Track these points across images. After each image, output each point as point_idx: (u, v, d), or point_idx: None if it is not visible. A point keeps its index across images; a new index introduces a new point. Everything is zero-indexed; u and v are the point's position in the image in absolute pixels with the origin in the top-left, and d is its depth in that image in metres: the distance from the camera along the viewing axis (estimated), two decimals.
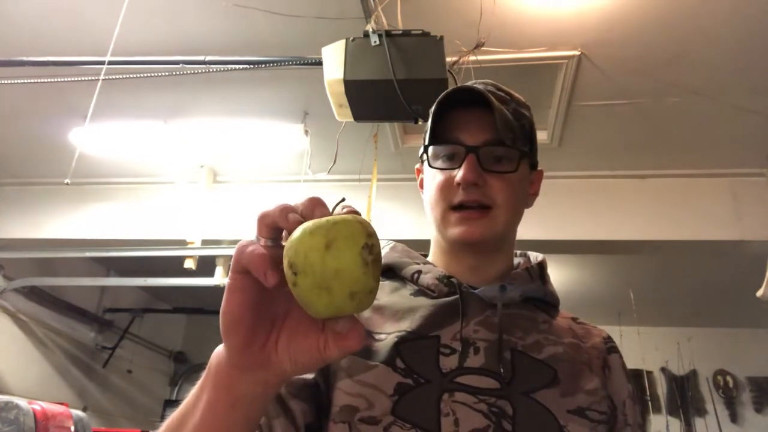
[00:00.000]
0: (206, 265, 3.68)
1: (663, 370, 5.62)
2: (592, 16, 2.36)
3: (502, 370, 0.71)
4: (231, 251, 3.84)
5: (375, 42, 1.93)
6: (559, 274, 4.79)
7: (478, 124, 0.77)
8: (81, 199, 3.83)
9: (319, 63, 2.04)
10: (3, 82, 2.64)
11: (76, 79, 2.59)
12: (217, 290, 3.73)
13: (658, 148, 3.19)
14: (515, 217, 0.82)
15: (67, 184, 2.22)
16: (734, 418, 5.39)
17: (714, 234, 3.25)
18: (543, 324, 0.79)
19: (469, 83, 0.83)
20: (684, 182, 3.36)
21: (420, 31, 1.97)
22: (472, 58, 2.26)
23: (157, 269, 4.04)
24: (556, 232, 3.35)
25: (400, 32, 1.98)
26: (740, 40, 2.42)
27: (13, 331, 4.34)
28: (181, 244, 3.61)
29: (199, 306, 5.93)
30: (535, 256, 0.90)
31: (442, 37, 1.95)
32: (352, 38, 1.97)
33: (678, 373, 5.52)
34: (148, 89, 2.90)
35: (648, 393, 5.38)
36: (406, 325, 0.76)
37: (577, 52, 2.54)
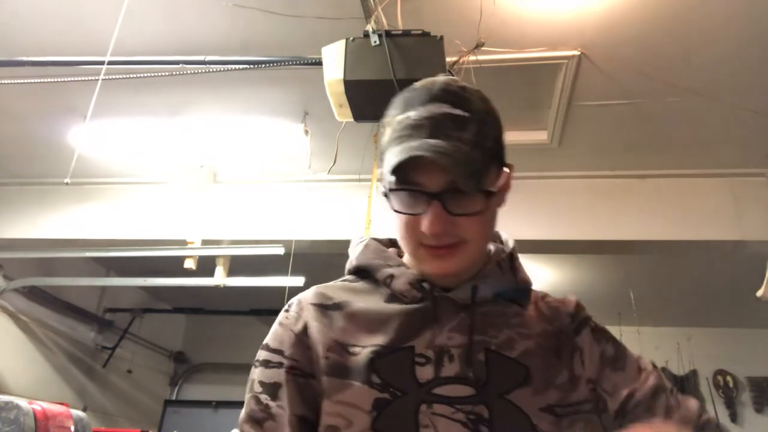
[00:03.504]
0: (206, 265, 3.68)
1: (663, 370, 5.60)
2: (592, 16, 2.36)
3: (471, 375, 0.72)
4: (231, 251, 3.86)
5: (375, 42, 1.93)
6: (559, 274, 4.79)
7: (440, 165, 0.71)
8: (81, 199, 3.83)
9: (319, 63, 2.04)
10: (3, 82, 2.64)
11: (75, 79, 2.59)
12: (217, 290, 3.74)
13: (658, 148, 3.18)
14: (489, 235, 0.80)
15: (67, 183, 2.22)
16: (734, 418, 5.39)
17: (714, 234, 3.24)
18: (515, 317, 0.79)
19: (432, 82, 0.78)
20: (684, 182, 3.36)
21: (420, 31, 1.97)
22: (472, 58, 2.26)
23: (157, 269, 4.03)
24: (556, 232, 3.35)
25: (400, 32, 1.98)
26: (740, 40, 2.42)
27: (13, 331, 4.34)
28: (181, 244, 3.61)
29: (199, 306, 5.93)
30: (505, 240, 0.89)
31: (442, 37, 1.95)
32: (352, 38, 1.97)
33: (678, 373, 5.51)
34: (148, 89, 2.89)
35: None
36: (380, 338, 0.75)
37: (577, 52, 2.54)
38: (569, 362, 0.77)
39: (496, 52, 2.43)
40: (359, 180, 3.34)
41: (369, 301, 0.80)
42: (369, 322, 0.77)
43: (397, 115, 0.76)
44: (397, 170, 0.72)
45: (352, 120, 2.11)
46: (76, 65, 2.58)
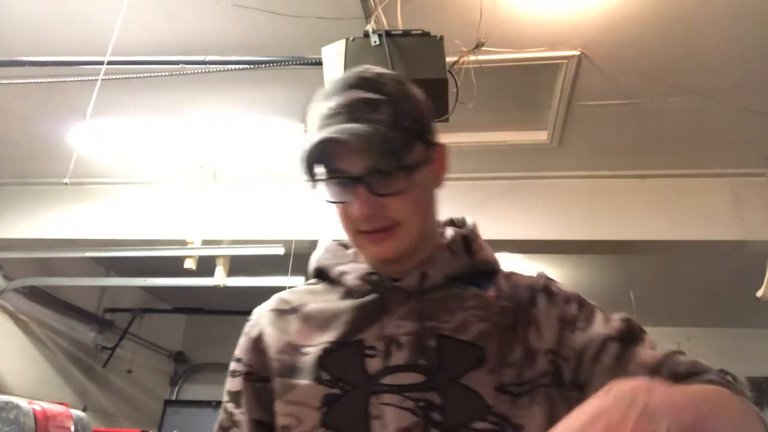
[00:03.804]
0: (206, 265, 3.68)
1: None
2: (592, 16, 2.36)
3: (422, 362, 0.71)
4: (231, 251, 3.86)
5: (375, 42, 1.93)
6: (559, 274, 4.79)
7: (354, 146, 0.71)
8: (81, 199, 3.83)
9: (319, 63, 2.04)
10: (3, 82, 2.64)
11: (75, 79, 2.59)
12: (217, 290, 3.74)
13: (658, 148, 3.18)
14: (426, 215, 0.79)
15: (66, 184, 2.22)
16: None
17: (714, 234, 3.24)
18: (472, 299, 0.77)
19: (350, 71, 0.78)
20: (684, 182, 3.36)
21: (420, 31, 1.97)
22: (472, 58, 2.26)
23: (157, 269, 4.04)
24: (556, 232, 3.35)
25: (400, 32, 1.98)
26: (740, 40, 2.42)
27: (13, 331, 4.34)
28: (181, 244, 3.61)
29: (199, 306, 5.93)
30: (461, 223, 0.88)
31: (442, 37, 1.94)
32: (352, 38, 1.97)
33: None
34: (148, 89, 2.89)
35: None
36: (330, 334, 0.76)
37: (577, 52, 2.54)
38: (524, 336, 0.74)
39: (496, 52, 2.43)
40: None
41: (324, 301, 0.81)
42: (322, 321, 0.78)
43: (317, 108, 0.77)
44: (312, 158, 0.72)
45: None
46: (76, 65, 2.58)
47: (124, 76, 2.58)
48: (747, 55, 2.50)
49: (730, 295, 4.72)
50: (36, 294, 4.52)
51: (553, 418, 0.67)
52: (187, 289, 4.49)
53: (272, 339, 0.80)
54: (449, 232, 0.85)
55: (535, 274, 0.83)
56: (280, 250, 3.35)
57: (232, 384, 0.81)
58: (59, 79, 2.62)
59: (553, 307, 0.77)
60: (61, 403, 3.48)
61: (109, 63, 2.29)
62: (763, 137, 3.02)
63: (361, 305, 0.77)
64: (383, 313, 0.76)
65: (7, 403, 2.92)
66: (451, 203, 3.44)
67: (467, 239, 0.83)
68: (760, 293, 3.13)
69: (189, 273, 3.65)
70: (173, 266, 3.66)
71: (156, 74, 2.56)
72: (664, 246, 3.35)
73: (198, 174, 3.71)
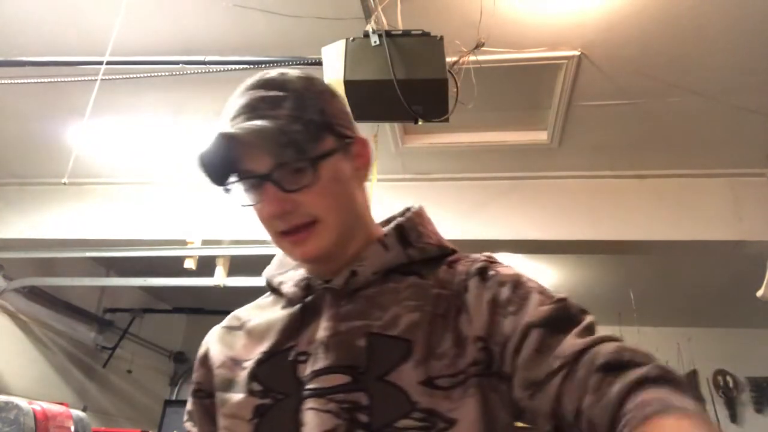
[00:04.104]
0: (206, 265, 3.68)
1: None
2: (592, 16, 2.36)
3: (349, 363, 0.69)
4: (231, 251, 3.84)
5: (375, 42, 1.93)
6: (559, 274, 4.79)
7: (255, 142, 0.70)
8: (81, 199, 3.83)
9: (319, 63, 2.04)
10: (2, 82, 2.64)
11: (75, 79, 2.59)
12: (217, 290, 3.74)
13: (658, 148, 3.18)
14: (348, 209, 0.75)
15: (65, 183, 2.22)
16: (734, 418, 5.39)
17: (714, 234, 3.24)
18: (406, 291, 0.74)
19: (255, 75, 0.76)
20: (684, 182, 3.36)
21: (420, 31, 1.97)
22: (472, 58, 2.26)
23: (157, 269, 4.03)
24: (556, 232, 3.35)
25: (400, 32, 1.98)
26: (740, 39, 2.42)
27: (13, 331, 4.34)
28: (181, 244, 3.61)
29: (199, 306, 5.92)
30: (398, 215, 0.83)
31: (442, 37, 1.94)
32: (352, 38, 1.97)
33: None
34: (148, 89, 2.89)
35: None
36: (265, 345, 0.75)
37: (577, 52, 2.54)
38: (456, 324, 0.70)
39: (496, 52, 2.43)
40: None
41: (268, 314, 0.81)
42: (260, 333, 0.78)
43: (223, 114, 0.76)
44: (207, 161, 0.71)
45: None
46: (76, 65, 2.58)
47: (124, 76, 2.58)
48: (747, 55, 2.50)
49: (730, 295, 4.72)
50: (36, 294, 4.52)
51: (489, 411, 0.66)
52: (187, 289, 4.49)
53: (216, 354, 0.81)
54: (389, 225, 0.81)
55: (478, 259, 0.77)
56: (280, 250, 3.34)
57: (190, 403, 0.84)
58: (59, 79, 2.62)
59: (485, 291, 0.71)
60: (61, 403, 3.48)
61: (109, 63, 2.29)
62: (763, 137, 3.02)
63: (294, 312, 0.76)
64: (316, 317, 0.74)
65: (7, 403, 2.92)
66: (452, 203, 3.46)
67: (402, 229, 0.79)
68: (760, 293, 3.13)
69: (189, 273, 3.65)
70: (173, 266, 3.66)
71: (156, 74, 2.56)
72: (664, 246, 3.35)
73: (198, 174, 3.70)
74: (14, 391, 4.06)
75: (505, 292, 0.70)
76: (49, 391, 4.45)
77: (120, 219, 3.76)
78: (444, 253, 0.80)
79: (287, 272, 0.82)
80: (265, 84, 0.74)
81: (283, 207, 0.71)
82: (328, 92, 0.78)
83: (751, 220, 3.22)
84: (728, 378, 5.50)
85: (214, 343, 0.83)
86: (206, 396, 0.81)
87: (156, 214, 3.75)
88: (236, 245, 3.59)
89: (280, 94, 0.73)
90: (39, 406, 3.04)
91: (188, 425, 0.83)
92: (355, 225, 0.77)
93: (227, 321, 0.86)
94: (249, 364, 0.75)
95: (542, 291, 0.70)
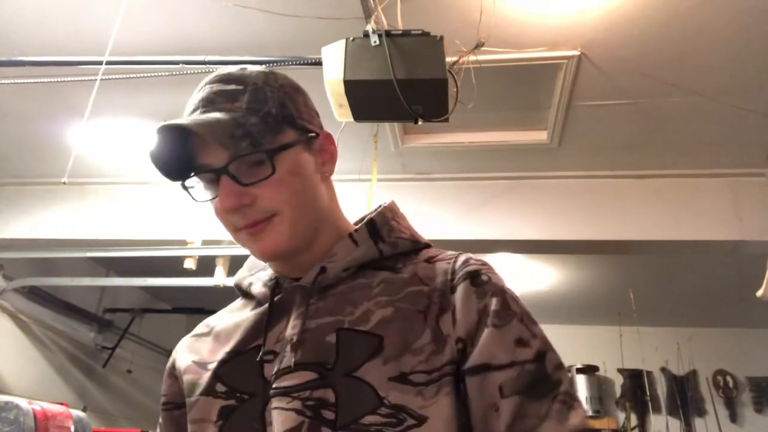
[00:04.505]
0: (206, 265, 3.68)
1: (663, 370, 5.62)
2: (592, 16, 2.36)
3: (316, 360, 0.67)
4: (231, 251, 3.84)
5: (375, 42, 1.93)
6: (559, 274, 4.79)
7: (204, 133, 0.68)
8: (81, 199, 3.83)
9: (319, 63, 2.04)
10: (1, 81, 2.64)
11: (75, 79, 2.59)
12: (217, 290, 3.74)
13: (658, 148, 3.18)
14: (308, 204, 0.73)
15: (65, 183, 2.22)
16: (734, 418, 5.39)
17: (714, 234, 3.24)
18: (378, 286, 0.72)
19: (210, 75, 0.75)
20: (684, 182, 3.36)
21: (420, 31, 1.97)
22: (472, 58, 2.26)
23: (157, 269, 4.03)
24: (556, 232, 3.35)
25: (400, 32, 1.97)
26: (741, 40, 2.42)
27: (13, 331, 4.34)
28: (181, 244, 3.61)
29: (199, 306, 5.92)
30: (371, 212, 0.81)
31: (442, 37, 1.94)
32: (352, 38, 1.97)
33: (678, 373, 5.52)
34: (148, 89, 2.89)
35: (648, 393, 5.38)
36: (229, 345, 0.74)
37: (577, 52, 2.54)
38: (435, 322, 0.68)
39: (496, 52, 2.43)
40: (359, 180, 3.33)
41: (236, 316, 0.79)
42: (227, 335, 0.77)
43: (185, 110, 0.75)
44: (158, 156, 0.69)
45: (351, 120, 2.11)
46: (76, 65, 2.58)
47: (124, 76, 2.58)
48: (747, 55, 2.50)
49: (730, 295, 4.72)
50: (36, 294, 4.51)
51: (460, 411, 0.65)
52: (187, 289, 4.49)
53: (182, 363, 0.79)
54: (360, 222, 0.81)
55: (460, 257, 0.75)
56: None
57: (161, 418, 0.82)
58: (58, 79, 2.62)
59: (476, 297, 0.69)
60: (61, 403, 3.48)
61: (108, 63, 2.29)
62: (763, 137, 3.02)
63: (261, 311, 0.75)
64: (284, 315, 0.73)
65: (7, 403, 2.92)
66: (451, 203, 3.46)
67: (373, 224, 0.78)
68: (759, 293, 3.13)
69: (189, 273, 3.64)
70: (173, 266, 3.66)
71: (156, 74, 2.56)
72: (664, 246, 3.35)
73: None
74: (14, 391, 4.06)
75: (494, 304, 0.69)
76: (49, 391, 4.45)
77: (120, 219, 3.76)
78: (417, 248, 0.78)
79: (256, 273, 0.81)
80: (223, 78, 0.73)
81: (240, 201, 0.69)
82: (290, 86, 0.76)
83: (751, 220, 3.22)
84: (728, 378, 5.50)
85: (180, 353, 0.82)
86: (175, 407, 0.80)
87: (156, 214, 3.75)
88: (236, 245, 3.57)
89: (239, 87, 0.71)
90: (39, 406, 3.04)
91: None
92: (319, 220, 0.75)
93: (197, 329, 0.85)
94: (212, 366, 0.74)
95: (522, 318, 0.70)
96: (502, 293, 0.71)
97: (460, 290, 0.70)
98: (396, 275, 0.74)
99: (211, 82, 0.73)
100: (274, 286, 0.76)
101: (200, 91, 0.73)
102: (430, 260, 0.76)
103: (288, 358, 0.68)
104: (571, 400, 0.65)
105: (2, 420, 2.84)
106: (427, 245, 0.80)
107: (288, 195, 0.70)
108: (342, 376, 0.66)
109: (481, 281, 0.71)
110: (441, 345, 0.67)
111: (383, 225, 0.78)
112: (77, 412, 3.37)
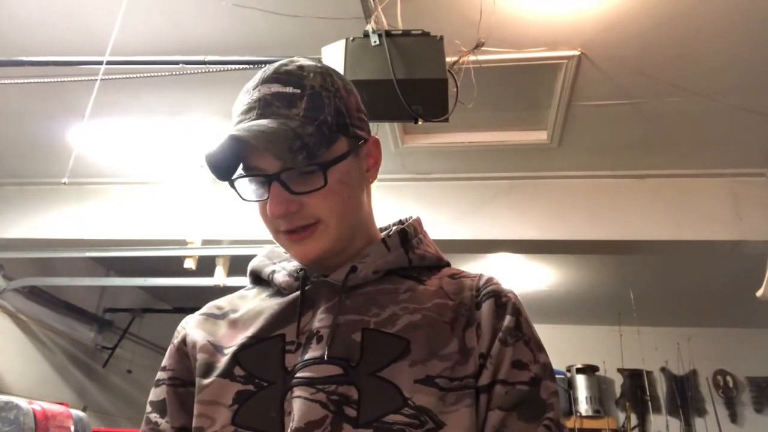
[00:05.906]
0: (206, 265, 3.68)
1: (663, 370, 5.62)
2: (592, 16, 2.36)
3: (342, 355, 0.68)
4: (231, 251, 3.84)
5: (375, 42, 1.93)
6: (560, 274, 4.79)
7: (257, 144, 0.68)
8: (81, 199, 3.83)
9: None
10: (2, 82, 2.64)
11: (75, 79, 2.59)
12: (217, 290, 3.74)
13: (658, 148, 3.18)
14: (352, 212, 0.74)
15: (65, 183, 2.22)
16: (734, 418, 5.39)
17: (714, 234, 3.25)
18: (405, 293, 0.74)
19: (270, 65, 0.74)
20: (684, 182, 3.36)
21: (420, 31, 1.97)
22: (472, 58, 2.26)
23: (157, 269, 4.03)
24: (556, 232, 3.36)
25: (400, 32, 1.98)
26: (740, 39, 2.42)
27: (13, 331, 4.34)
28: (181, 244, 3.61)
29: (199, 306, 5.90)
30: (403, 221, 0.84)
31: (442, 37, 1.94)
32: (352, 38, 1.97)
33: (678, 373, 5.51)
34: (148, 89, 2.89)
35: (648, 393, 5.38)
36: (251, 330, 0.73)
37: (577, 52, 2.54)
38: (462, 334, 0.70)
39: (496, 52, 2.43)
40: None
41: (253, 303, 0.79)
42: (246, 321, 0.76)
43: (236, 104, 0.75)
44: (215, 158, 0.70)
45: None
46: (76, 65, 2.58)
47: (124, 76, 2.58)
48: (747, 55, 2.50)
49: (730, 295, 4.72)
50: (36, 294, 4.51)
51: (477, 424, 0.67)
52: (187, 289, 4.49)
53: (195, 340, 0.77)
54: (394, 228, 0.82)
55: (484, 276, 0.78)
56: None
57: (156, 393, 0.78)
58: (58, 79, 2.62)
59: (496, 317, 0.72)
60: (61, 403, 3.48)
61: (109, 63, 2.29)
62: (763, 137, 3.02)
63: (286, 301, 0.75)
64: (309, 308, 0.73)
65: (7, 403, 2.92)
66: (451, 203, 3.47)
67: (405, 234, 0.80)
68: (759, 293, 3.14)
69: (189, 273, 3.64)
70: (173, 266, 3.66)
71: (156, 74, 2.56)
72: (664, 246, 3.35)
73: (198, 174, 3.71)
74: (14, 391, 4.06)
75: (508, 321, 0.72)
76: (49, 391, 4.45)
77: (120, 219, 3.76)
78: (440, 264, 0.81)
79: (280, 263, 0.81)
80: (281, 77, 0.72)
81: (288, 208, 0.70)
82: (345, 89, 0.76)
83: (751, 220, 3.22)
84: (728, 378, 5.50)
85: (192, 329, 0.80)
86: (182, 384, 0.77)
87: (156, 214, 3.75)
88: (236, 245, 3.59)
89: (296, 92, 0.71)
90: (39, 406, 3.04)
91: (153, 416, 0.77)
92: (358, 226, 0.77)
93: (206, 309, 0.84)
94: (231, 350, 0.72)
95: (529, 342, 0.72)
96: (518, 315, 0.73)
97: (486, 307, 0.72)
98: (422, 286, 0.76)
99: (269, 81, 0.72)
100: (302, 278, 0.76)
101: (256, 89, 0.73)
102: (454, 276, 0.78)
103: (313, 350, 0.68)
104: (557, 429, 0.68)
105: (2, 420, 2.84)
106: (447, 264, 0.82)
107: (334, 204, 0.71)
108: (366, 375, 0.66)
109: (503, 302, 0.73)
110: (466, 357, 0.69)
111: (413, 236, 0.81)
112: (77, 412, 3.37)
